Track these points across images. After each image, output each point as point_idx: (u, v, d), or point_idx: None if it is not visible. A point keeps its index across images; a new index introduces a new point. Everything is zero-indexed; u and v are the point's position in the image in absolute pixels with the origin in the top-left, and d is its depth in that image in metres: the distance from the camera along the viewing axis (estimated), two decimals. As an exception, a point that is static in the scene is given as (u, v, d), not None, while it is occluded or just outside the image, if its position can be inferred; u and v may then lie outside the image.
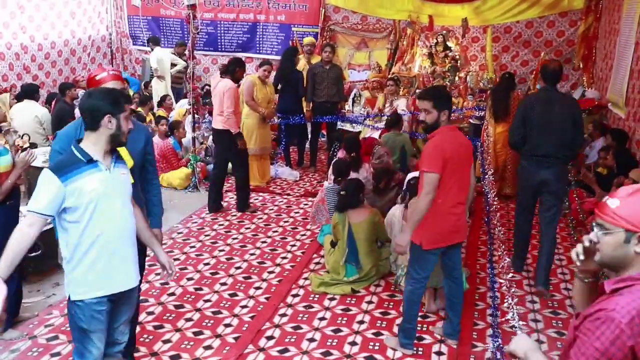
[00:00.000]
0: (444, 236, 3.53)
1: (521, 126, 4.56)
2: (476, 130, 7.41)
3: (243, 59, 6.99)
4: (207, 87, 10.19)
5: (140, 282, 2.97)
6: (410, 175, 5.08)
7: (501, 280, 4.09)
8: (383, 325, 4.10)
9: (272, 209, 6.41)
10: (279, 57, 8.62)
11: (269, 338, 3.91)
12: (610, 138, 6.53)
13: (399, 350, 3.75)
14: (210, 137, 7.85)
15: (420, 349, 3.81)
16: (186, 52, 8.45)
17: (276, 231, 5.83)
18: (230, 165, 6.58)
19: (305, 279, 4.78)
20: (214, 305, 4.33)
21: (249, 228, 5.89)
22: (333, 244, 4.86)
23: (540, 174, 4.50)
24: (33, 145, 6.17)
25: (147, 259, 3.66)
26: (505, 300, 3.94)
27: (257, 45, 10.81)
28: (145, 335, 3.88)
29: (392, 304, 4.41)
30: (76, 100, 7.22)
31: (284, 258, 5.20)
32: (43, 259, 4.50)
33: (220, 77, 6.32)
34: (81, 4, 10.44)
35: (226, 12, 10.83)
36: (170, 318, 4.14)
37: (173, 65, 9.76)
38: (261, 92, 6.85)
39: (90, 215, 2.57)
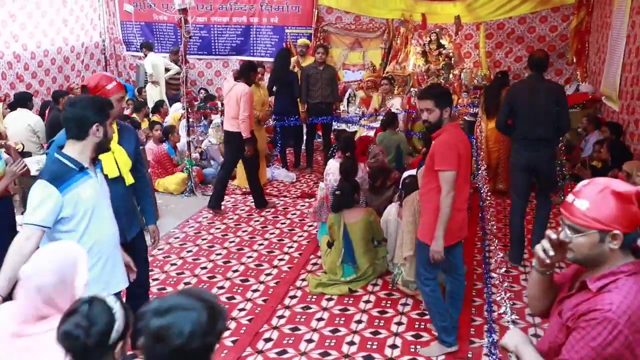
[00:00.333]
0: (453, 233, 3.50)
1: (507, 111, 4.82)
2: (471, 127, 7.42)
3: (237, 62, 6.98)
4: (202, 91, 10.21)
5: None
6: (406, 174, 5.09)
7: (495, 275, 4.10)
8: (381, 324, 4.10)
9: (268, 211, 6.40)
10: (272, 60, 8.62)
11: (267, 340, 3.91)
12: (608, 130, 6.55)
13: (447, 352, 3.67)
14: (205, 141, 7.86)
15: (418, 346, 3.82)
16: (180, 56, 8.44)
17: (273, 233, 5.82)
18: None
19: (303, 280, 4.78)
20: (211, 309, 4.32)
21: (245, 231, 5.88)
22: (330, 245, 4.85)
23: (530, 157, 4.72)
24: (26, 154, 6.16)
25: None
26: (498, 295, 3.95)
27: (251, 48, 10.77)
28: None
29: (389, 302, 4.41)
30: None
31: (281, 260, 5.20)
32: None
33: (235, 81, 6.31)
34: (73, 11, 10.40)
35: (219, 16, 10.80)
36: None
37: (167, 70, 9.75)
38: (255, 94, 6.85)
39: (87, 223, 2.57)
